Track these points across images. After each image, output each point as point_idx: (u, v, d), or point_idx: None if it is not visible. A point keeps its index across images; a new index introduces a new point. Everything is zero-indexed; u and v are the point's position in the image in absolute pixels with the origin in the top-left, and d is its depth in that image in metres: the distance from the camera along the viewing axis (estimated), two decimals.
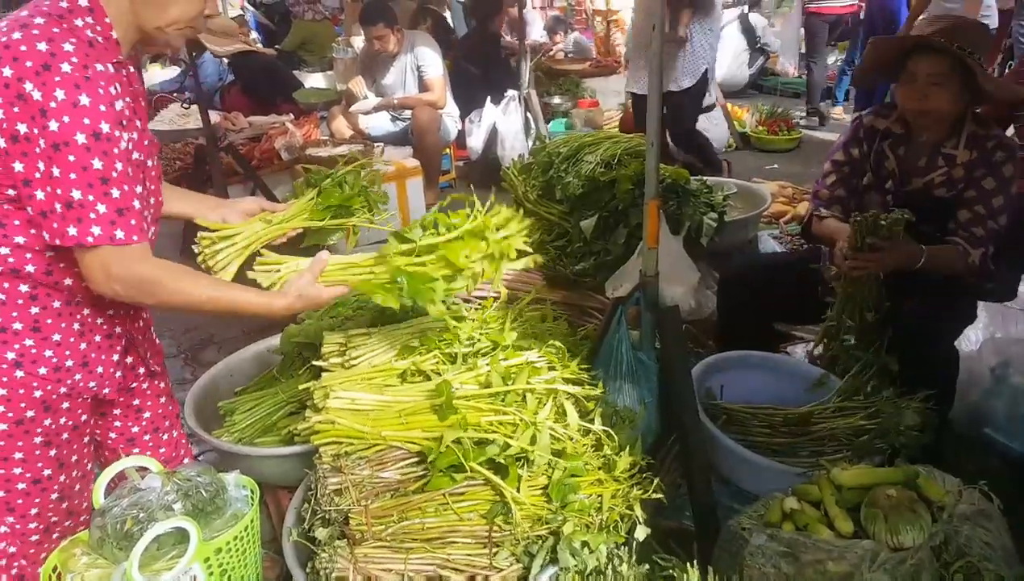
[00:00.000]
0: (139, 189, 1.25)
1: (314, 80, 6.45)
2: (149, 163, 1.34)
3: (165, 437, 1.66)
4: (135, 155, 1.26)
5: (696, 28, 3.64)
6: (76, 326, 1.34)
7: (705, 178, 3.20)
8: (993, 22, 4.70)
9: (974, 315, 2.19)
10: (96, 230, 1.17)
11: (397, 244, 1.50)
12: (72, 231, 1.17)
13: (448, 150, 5.04)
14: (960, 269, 1.95)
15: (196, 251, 1.60)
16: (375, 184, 1.80)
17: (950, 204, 1.99)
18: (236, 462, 1.80)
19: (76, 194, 1.15)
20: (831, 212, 2.17)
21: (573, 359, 1.77)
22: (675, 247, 2.42)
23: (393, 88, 4.65)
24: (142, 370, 1.56)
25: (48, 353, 1.30)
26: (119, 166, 1.18)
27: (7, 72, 1.11)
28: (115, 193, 1.18)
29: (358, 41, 6.21)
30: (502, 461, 1.46)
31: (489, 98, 5.04)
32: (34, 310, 1.28)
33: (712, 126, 4.74)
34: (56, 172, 1.14)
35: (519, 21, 6.06)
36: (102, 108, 1.14)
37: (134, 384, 1.55)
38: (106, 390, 1.41)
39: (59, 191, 1.15)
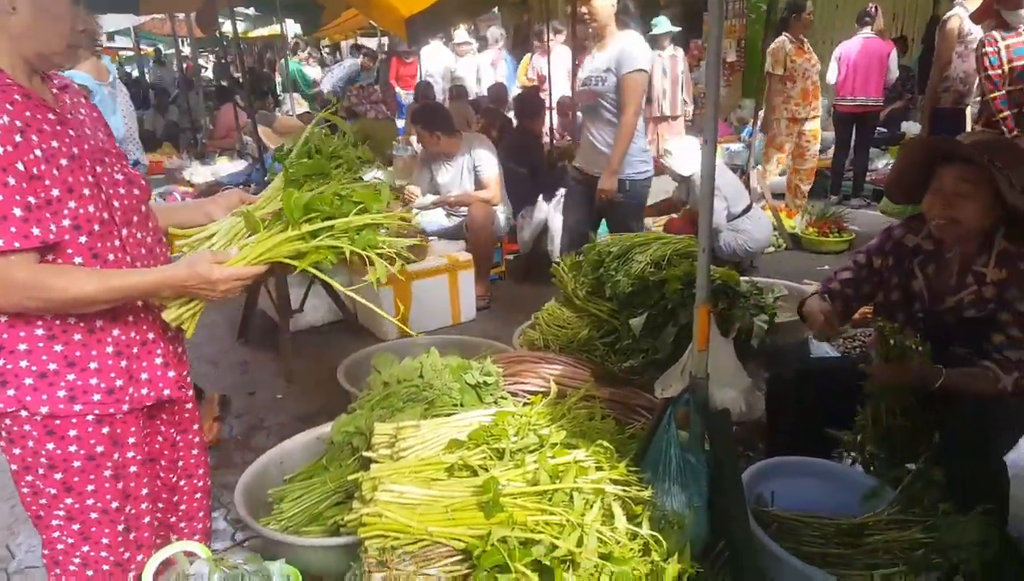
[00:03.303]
0: (54, 193, 1.26)
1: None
2: (98, 169, 1.37)
3: (201, 484, 1.75)
4: (62, 162, 1.29)
5: None
6: (109, 349, 1.39)
7: (755, 280, 3.22)
8: None
9: None
10: None
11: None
12: None
13: (499, 244, 5.19)
14: (988, 394, 1.89)
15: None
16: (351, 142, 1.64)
17: (982, 324, 1.94)
18: (282, 550, 1.81)
19: None
20: (830, 300, 2.20)
21: (621, 459, 1.76)
22: (725, 349, 2.42)
23: (450, 186, 4.87)
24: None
25: (94, 381, 1.37)
26: None
27: None
28: None
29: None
30: (547, 563, 1.44)
31: (541, 195, 5.22)
32: (58, 348, 1.35)
33: (752, 226, 4.78)
34: None
35: (572, 123, 6.34)
36: None
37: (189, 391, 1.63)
38: (166, 391, 1.49)
39: None
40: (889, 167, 7.14)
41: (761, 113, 6.10)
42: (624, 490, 1.65)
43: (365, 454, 1.92)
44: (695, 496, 1.72)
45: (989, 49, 4.06)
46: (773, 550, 1.74)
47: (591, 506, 1.58)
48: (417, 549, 1.54)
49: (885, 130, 7.54)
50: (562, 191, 5.24)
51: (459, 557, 1.54)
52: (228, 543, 2.50)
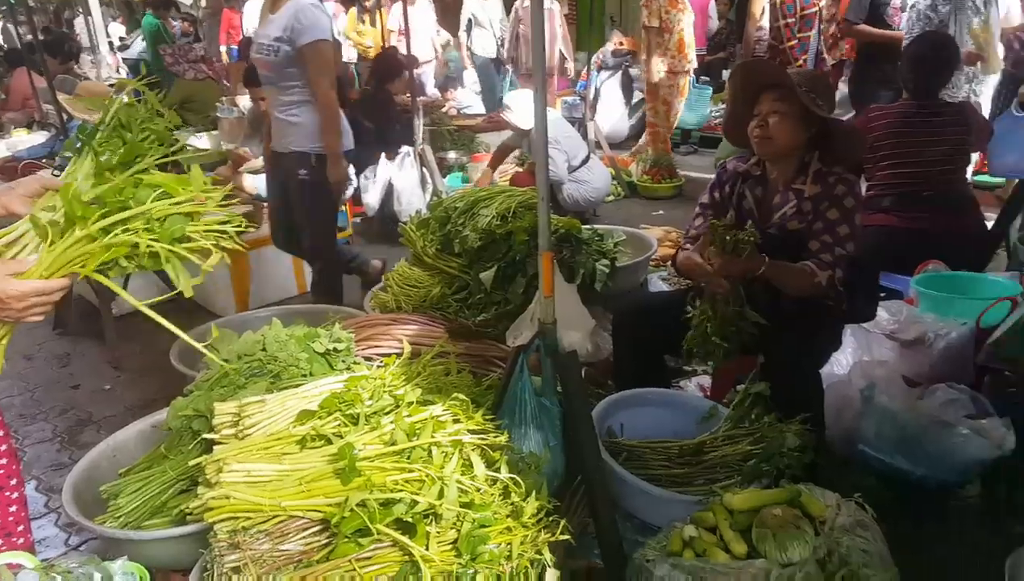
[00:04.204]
0: None
1: (197, 141, 6.26)
2: None
3: (15, 496, 1.56)
4: None
5: None
6: None
7: (596, 227, 3.35)
8: None
9: (839, 342, 2.37)
10: None
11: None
12: None
13: (344, 207, 5.00)
14: (806, 287, 2.09)
15: None
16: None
17: (802, 236, 2.18)
18: (123, 548, 1.68)
19: None
20: (694, 247, 2.34)
21: (478, 410, 1.78)
22: (570, 295, 2.50)
23: None
24: None
25: None
26: None
27: None
28: None
29: (244, 100, 6.12)
30: (410, 520, 1.44)
31: (384, 154, 5.07)
32: None
33: (592, 177, 4.97)
34: None
35: (411, 79, 6.17)
36: None
37: None
38: None
39: None
40: (713, 114, 7.67)
41: (594, 61, 6.20)
42: (481, 439, 1.67)
43: (207, 436, 1.80)
44: (551, 436, 1.78)
45: None
46: (622, 476, 1.86)
47: (450, 458, 1.59)
48: (272, 526, 1.48)
49: (708, 79, 8.05)
50: (406, 149, 5.14)
51: (318, 528, 1.49)
52: (63, 549, 2.28)
